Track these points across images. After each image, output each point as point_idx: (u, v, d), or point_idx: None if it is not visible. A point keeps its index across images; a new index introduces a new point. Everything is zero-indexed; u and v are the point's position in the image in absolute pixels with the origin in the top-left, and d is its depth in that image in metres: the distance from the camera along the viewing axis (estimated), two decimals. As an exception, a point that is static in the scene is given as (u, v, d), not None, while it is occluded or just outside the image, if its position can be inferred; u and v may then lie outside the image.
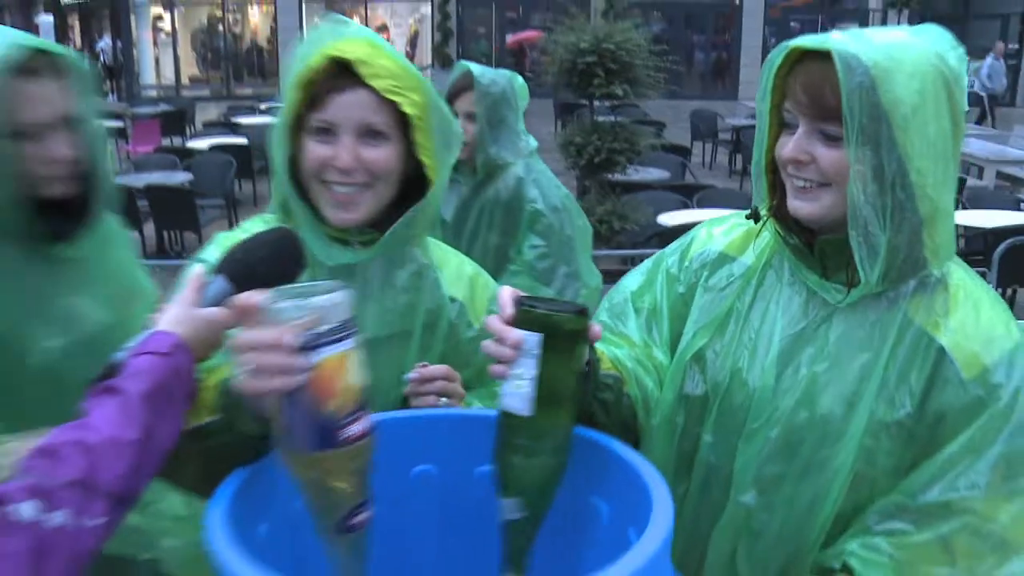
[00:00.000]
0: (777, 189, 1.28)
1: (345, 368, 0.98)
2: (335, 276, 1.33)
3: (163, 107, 16.01)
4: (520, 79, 2.87)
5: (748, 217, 1.33)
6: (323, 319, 0.97)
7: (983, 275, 5.69)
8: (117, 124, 13.13)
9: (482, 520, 1.12)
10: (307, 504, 1.01)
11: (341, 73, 1.29)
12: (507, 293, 1.12)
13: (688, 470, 1.34)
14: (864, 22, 25.17)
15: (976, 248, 6.26)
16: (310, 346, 0.96)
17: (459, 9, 24.53)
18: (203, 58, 27.42)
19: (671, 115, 14.75)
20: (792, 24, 25.69)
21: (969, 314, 1.21)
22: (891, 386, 1.20)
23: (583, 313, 1.07)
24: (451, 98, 2.71)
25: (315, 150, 1.31)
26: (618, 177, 6.61)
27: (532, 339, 1.04)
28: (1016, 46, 25.09)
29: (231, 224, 8.78)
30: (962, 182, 8.28)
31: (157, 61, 27.07)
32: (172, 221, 8.06)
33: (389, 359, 1.37)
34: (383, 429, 1.07)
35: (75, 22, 29.42)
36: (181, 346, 1.05)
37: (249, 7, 27.24)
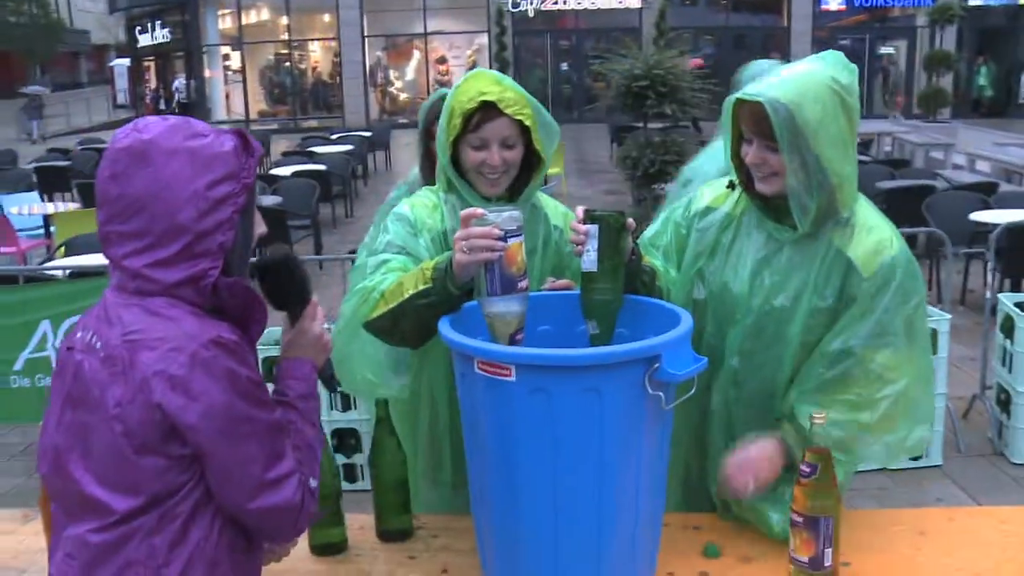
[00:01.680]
0: (743, 171, 2.04)
1: (520, 250, 1.81)
2: None
3: (241, 140, 17.02)
4: None
5: (727, 187, 2.12)
6: (509, 223, 1.79)
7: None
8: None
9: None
10: (490, 330, 1.81)
11: (487, 107, 2.09)
12: (580, 207, 1.93)
13: (696, 349, 2.07)
14: (912, 40, 25.58)
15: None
16: (503, 236, 1.78)
17: (515, 40, 25.46)
18: (270, 93, 28.66)
19: (709, 135, 15.35)
20: (841, 43, 26.17)
21: (865, 235, 1.97)
22: (821, 285, 1.98)
23: (622, 213, 1.88)
24: (430, 125, 2.95)
25: (475, 156, 2.13)
26: (663, 187, 7.35)
27: (593, 228, 1.86)
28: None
29: (316, 241, 9.68)
30: (994, 187, 8.84)
31: (227, 97, 28.43)
32: (266, 239, 8.84)
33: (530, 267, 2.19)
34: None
35: (151, 64, 30.97)
36: (316, 371, 1.64)
37: (312, 44, 28.46)
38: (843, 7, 25.63)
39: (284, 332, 1.65)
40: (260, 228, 1.55)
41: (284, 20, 27.40)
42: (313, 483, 1.52)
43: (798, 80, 1.88)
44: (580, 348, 1.85)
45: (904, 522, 2.08)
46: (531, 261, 2.16)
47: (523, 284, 1.82)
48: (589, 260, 1.86)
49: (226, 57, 28.21)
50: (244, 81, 27.74)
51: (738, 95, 1.94)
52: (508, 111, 2.08)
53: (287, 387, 1.58)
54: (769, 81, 1.91)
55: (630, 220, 1.91)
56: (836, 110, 1.88)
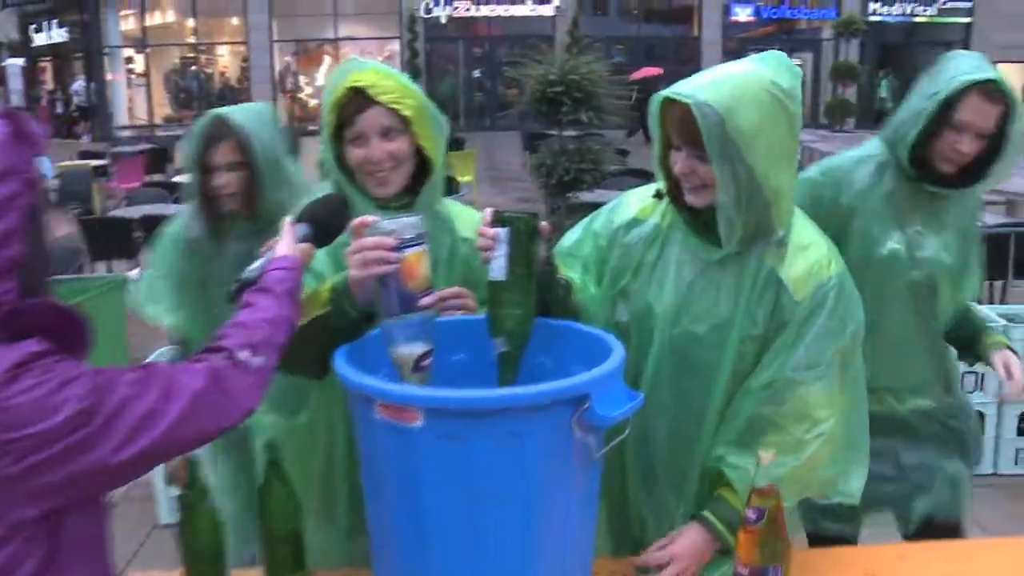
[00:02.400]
0: (671, 178, 1.83)
1: (421, 261, 1.60)
2: None
3: (143, 145, 16.49)
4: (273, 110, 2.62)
5: (653, 197, 1.90)
6: (406, 231, 1.57)
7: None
8: (100, 163, 13.69)
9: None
10: (391, 358, 1.58)
11: (360, 97, 1.86)
12: (488, 209, 1.71)
13: None
14: (818, 52, 26.20)
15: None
16: (399, 247, 1.56)
17: (427, 46, 25.24)
18: (176, 98, 27.82)
19: (634, 144, 15.47)
20: (748, 55, 26.48)
21: (800, 257, 1.77)
22: (752, 309, 1.78)
23: (534, 215, 1.68)
24: (204, 151, 2.37)
25: (355, 153, 1.89)
26: (585, 198, 7.22)
27: (502, 231, 1.64)
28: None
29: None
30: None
31: (131, 101, 27.52)
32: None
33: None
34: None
35: (48, 64, 29.79)
36: (299, 264, 1.58)
37: (220, 48, 27.75)
38: (752, 19, 26.03)
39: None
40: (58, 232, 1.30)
41: (190, 23, 26.62)
42: (243, 354, 1.37)
43: (733, 82, 1.68)
44: (497, 387, 1.64)
45: (854, 562, 1.91)
46: (433, 277, 1.96)
47: (426, 301, 1.61)
48: (497, 268, 1.65)
49: (129, 60, 27.26)
50: (148, 85, 26.85)
51: (665, 94, 1.74)
52: (381, 99, 1.86)
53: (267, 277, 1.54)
54: (700, 81, 1.71)
55: (543, 223, 1.70)
56: (775, 117, 1.68)
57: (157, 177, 14.16)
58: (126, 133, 24.48)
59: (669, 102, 1.73)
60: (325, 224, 1.71)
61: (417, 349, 1.59)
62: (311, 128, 23.18)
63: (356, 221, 1.62)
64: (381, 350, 1.63)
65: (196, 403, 1.25)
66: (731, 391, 1.81)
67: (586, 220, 2.05)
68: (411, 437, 1.37)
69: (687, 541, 1.75)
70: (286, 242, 1.64)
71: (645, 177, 11.31)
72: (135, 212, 8.60)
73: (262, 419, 1.92)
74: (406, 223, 1.60)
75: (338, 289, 1.67)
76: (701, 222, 1.81)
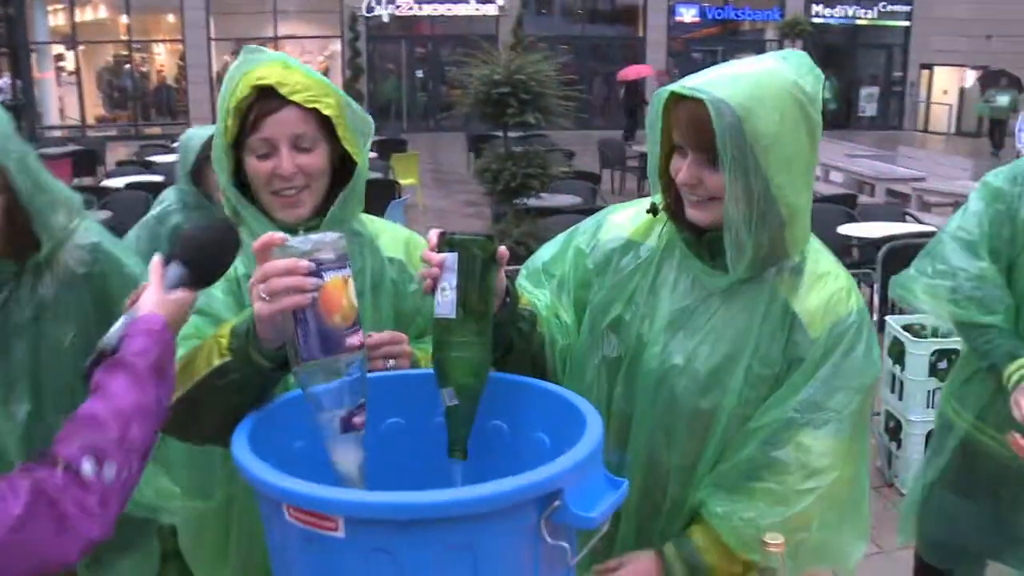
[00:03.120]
0: (671, 190, 1.57)
1: (345, 289, 1.25)
2: None
3: (71, 147, 15.82)
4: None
5: (648, 212, 1.62)
6: (325, 250, 1.24)
7: (869, 276, 6.13)
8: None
9: (442, 462, 1.36)
10: (314, 416, 1.26)
11: (266, 96, 1.54)
12: (433, 231, 1.39)
13: (607, 416, 1.61)
14: (762, 52, 26.21)
15: (869, 257, 6.70)
16: (316, 271, 1.23)
17: (369, 46, 24.77)
18: (109, 97, 27.01)
19: (580, 145, 15.23)
20: (694, 55, 26.66)
21: (817, 288, 1.53)
22: (763, 347, 1.52)
23: (490, 238, 1.35)
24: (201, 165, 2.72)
25: (259, 167, 1.57)
26: (532, 203, 6.92)
27: (451, 257, 1.32)
28: (900, 74, 26.52)
29: (151, 260, 8.78)
30: (855, 199, 8.82)
31: (61, 100, 26.61)
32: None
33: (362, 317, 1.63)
34: None
35: (-28, 62, 28.69)
36: (167, 325, 1.26)
37: (155, 46, 26.99)
38: (697, 19, 25.99)
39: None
40: None
41: (124, 19, 25.75)
42: (86, 465, 1.06)
43: (752, 79, 1.41)
44: (445, 453, 1.32)
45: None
46: (362, 307, 1.64)
47: (353, 340, 1.26)
48: (445, 303, 1.32)
49: (59, 57, 26.33)
50: (79, 83, 25.94)
51: (675, 88, 1.45)
52: (295, 98, 1.53)
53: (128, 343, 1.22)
54: (715, 76, 1.43)
55: (501, 248, 1.38)
56: (796, 124, 1.42)
57: (87, 181, 13.60)
58: (56, 133, 23.61)
59: (677, 99, 1.45)
60: (207, 259, 1.35)
61: (343, 406, 1.25)
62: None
63: (260, 241, 1.28)
64: (296, 412, 1.30)
65: (13, 536, 0.91)
66: (730, 436, 1.54)
67: (565, 235, 1.75)
68: (330, 547, 1.04)
69: (639, 567, 1.52)
70: (151, 292, 1.29)
71: (593, 180, 11.09)
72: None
73: (169, 503, 1.58)
74: (325, 241, 1.26)
75: (239, 333, 1.33)
76: (704, 243, 1.54)
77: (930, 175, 11.80)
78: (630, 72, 20.97)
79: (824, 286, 1.54)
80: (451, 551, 1.03)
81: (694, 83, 1.42)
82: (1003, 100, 19.55)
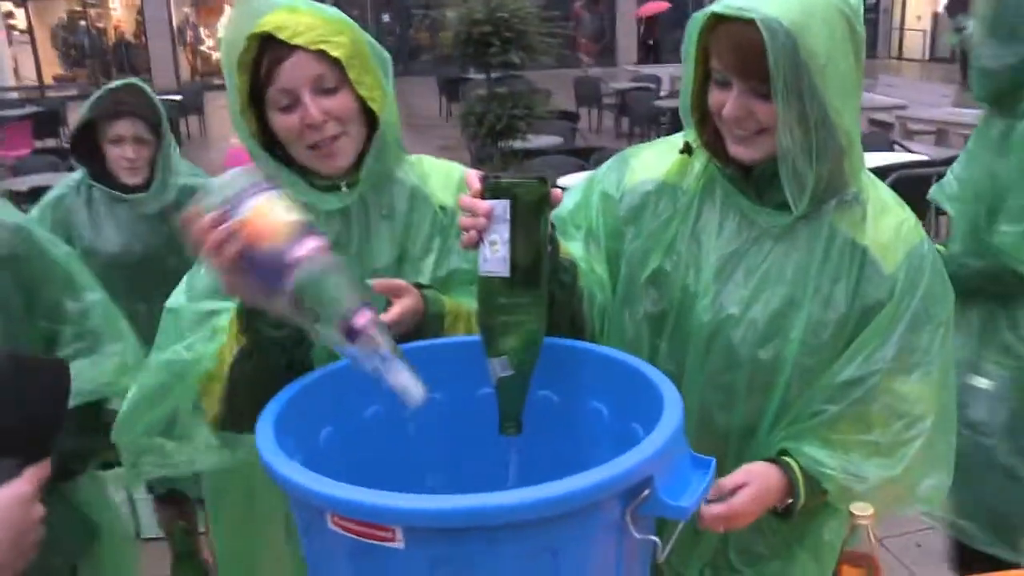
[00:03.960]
0: (707, 127, 1.40)
1: (269, 211, 1.07)
2: (333, 223, 1.46)
3: (30, 108, 15.34)
4: None
5: (681, 152, 1.46)
6: (234, 185, 1.07)
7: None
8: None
9: (489, 438, 1.21)
10: (318, 338, 1.10)
11: (273, 45, 1.37)
12: (472, 172, 1.22)
13: None
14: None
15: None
16: (229, 213, 1.06)
17: (332, -10, 24.18)
18: (66, 55, 26.27)
19: (555, 84, 14.93)
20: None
21: (882, 218, 1.39)
22: (825, 289, 1.37)
23: (544, 180, 1.17)
24: (94, 125, 2.70)
25: (285, 121, 1.40)
26: (512, 144, 6.68)
27: (501, 206, 1.14)
28: (874, 1, 26.20)
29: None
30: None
31: (15, 60, 25.84)
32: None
33: (416, 277, 1.48)
34: None
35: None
36: None
37: (111, 1, 26.20)
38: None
39: None
40: None
41: (76, -27, 25.04)
42: None
43: None
44: (496, 432, 1.17)
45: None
46: (419, 270, 1.50)
47: (298, 252, 1.06)
48: (495, 259, 1.15)
49: (8, 15, 25.45)
50: (33, 42, 25.16)
51: (716, 9, 1.28)
52: (298, 41, 1.36)
53: None
54: None
55: (556, 190, 1.21)
56: (845, 42, 1.27)
57: (50, 143, 13.19)
58: (12, 95, 22.93)
59: (716, 22, 1.28)
60: (30, 430, 1.06)
61: (331, 315, 1.07)
62: (216, 82, 22.11)
63: (185, 216, 1.10)
64: (315, 397, 1.15)
65: None
66: (794, 391, 1.39)
67: (583, 183, 1.58)
68: (388, 563, 0.88)
69: (768, 482, 1.31)
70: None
71: (571, 119, 10.87)
72: (22, 184, 7.82)
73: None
74: (229, 180, 1.09)
75: (241, 312, 1.24)
76: (751, 180, 1.38)
77: (911, 102, 11.62)
78: (647, 9, 21.34)
79: (892, 215, 1.40)
80: (528, 558, 0.88)
81: (739, 2, 1.25)
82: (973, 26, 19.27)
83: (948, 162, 5.93)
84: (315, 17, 1.39)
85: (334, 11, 1.43)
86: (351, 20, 1.45)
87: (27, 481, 0.97)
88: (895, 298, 1.35)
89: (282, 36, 1.36)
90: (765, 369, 1.38)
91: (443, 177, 1.57)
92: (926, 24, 25.31)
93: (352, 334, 1.06)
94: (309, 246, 1.07)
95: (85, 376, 1.60)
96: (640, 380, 1.14)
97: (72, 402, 1.35)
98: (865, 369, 1.34)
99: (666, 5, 21.82)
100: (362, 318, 1.06)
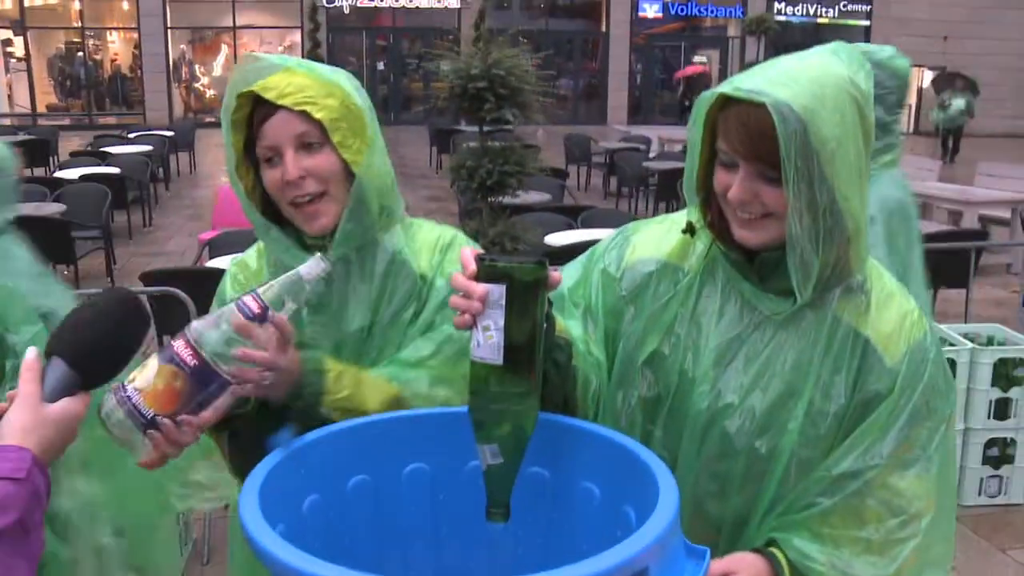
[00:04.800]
0: (712, 208, 1.39)
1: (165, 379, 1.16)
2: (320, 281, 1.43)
3: (22, 135, 15.33)
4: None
5: (684, 232, 1.43)
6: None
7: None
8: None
9: (476, 512, 1.19)
10: None
11: (263, 104, 1.42)
12: (468, 251, 1.20)
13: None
14: (724, 49, 26.31)
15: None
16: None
17: (329, 37, 24.41)
18: (61, 86, 26.35)
19: (545, 139, 15.07)
20: (655, 51, 26.66)
21: (886, 308, 1.37)
22: (825, 379, 1.34)
23: (542, 264, 1.14)
24: None
25: (270, 176, 1.45)
26: (501, 200, 6.71)
27: (497, 290, 1.11)
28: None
29: (108, 255, 8.50)
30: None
31: (10, 88, 25.90)
32: (46, 254, 7.69)
33: (384, 344, 1.50)
34: (375, 430, 1.17)
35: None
36: (37, 463, 0.98)
37: (110, 33, 26.37)
38: (660, 15, 25.97)
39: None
40: None
41: (76, 5, 25.10)
42: None
43: (810, 77, 1.24)
44: (483, 514, 1.14)
45: None
46: (397, 337, 1.51)
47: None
48: (488, 345, 1.12)
49: (7, 43, 25.58)
50: (29, 70, 25.25)
51: (725, 91, 1.26)
52: (283, 102, 1.40)
53: None
54: (769, 75, 1.25)
55: (555, 274, 1.20)
56: (855, 127, 1.26)
57: (39, 171, 13.17)
58: (4, 121, 22.94)
59: (724, 103, 1.27)
60: (103, 352, 1.11)
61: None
62: (208, 120, 22.20)
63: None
64: (297, 465, 1.12)
65: None
66: (789, 482, 1.36)
67: (583, 259, 1.56)
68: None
69: (749, 559, 1.30)
70: (21, 409, 1.02)
71: (560, 176, 10.94)
72: (8, 212, 7.77)
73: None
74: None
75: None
76: (755, 265, 1.36)
77: (897, 175, 11.77)
78: (687, 70, 22.20)
79: (896, 306, 1.38)
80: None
81: (749, 84, 1.24)
82: (959, 104, 19.39)
83: (933, 238, 5.99)
84: (307, 78, 1.43)
85: (331, 73, 1.47)
86: (349, 82, 1.48)
87: (83, 402, 1.07)
88: (896, 392, 1.33)
89: (268, 96, 1.41)
90: (761, 459, 1.36)
91: (432, 245, 1.57)
92: (911, 98, 25.79)
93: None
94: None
95: None
96: (634, 462, 1.13)
97: None
98: (862, 463, 1.31)
99: (705, 68, 22.26)
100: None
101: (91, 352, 1.09)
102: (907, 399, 1.32)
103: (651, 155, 13.94)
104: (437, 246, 1.57)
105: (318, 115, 1.41)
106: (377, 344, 1.50)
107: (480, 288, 1.13)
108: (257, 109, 1.44)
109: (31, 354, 1.07)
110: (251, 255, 1.63)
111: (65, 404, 1.05)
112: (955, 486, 1.44)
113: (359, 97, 1.48)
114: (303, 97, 1.41)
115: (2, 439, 0.99)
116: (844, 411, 1.34)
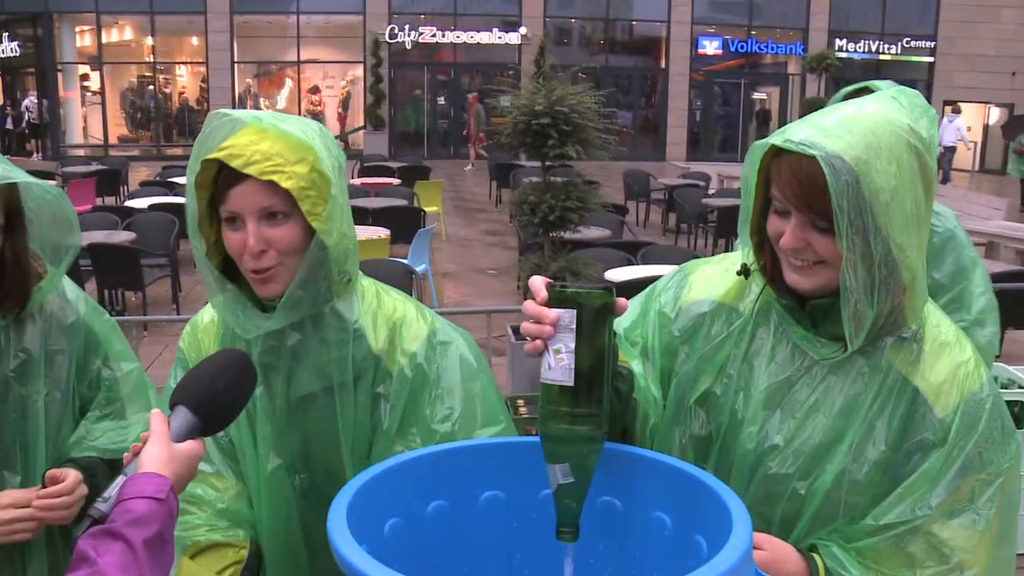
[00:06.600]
0: (765, 251, 1.40)
1: None
2: (269, 343, 1.53)
3: (96, 166, 15.81)
4: None
5: (739, 274, 1.45)
6: None
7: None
8: (49, 183, 12.95)
9: (548, 539, 1.22)
10: None
11: (228, 168, 1.41)
12: (538, 279, 1.25)
13: None
14: (784, 86, 26.18)
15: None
16: None
17: (391, 72, 24.81)
18: (132, 118, 27.12)
19: (603, 175, 15.12)
20: (715, 88, 26.63)
21: (938, 358, 1.35)
22: (872, 424, 1.34)
23: (609, 290, 1.20)
24: None
25: (231, 238, 1.45)
26: (563, 235, 6.77)
27: (567, 315, 1.18)
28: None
29: (175, 283, 8.73)
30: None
31: (85, 120, 26.74)
32: (115, 280, 7.99)
33: (325, 411, 1.53)
34: (455, 457, 1.22)
35: (-2, 80, 28.90)
36: (173, 489, 1.14)
37: (179, 68, 27.12)
38: (719, 52, 25.98)
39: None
40: None
41: (149, 41, 25.91)
42: None
43: (865, 127, 1.25)
44: (554, 536, 1.18)
45: None
46: (338, 405, 1.54)
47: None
48: (560, 367, 1.18)
49: (84, 77, 26.48)
50: (103, 103, 26.06)
51: (775, 142, 1.29)
52: (250, 171, 1.39)
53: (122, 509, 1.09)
54: (822, 125, 1.26)
55: (621, 300, 1.25)
56: (914, 175, 1.26)
57: (109, 201, 13.57)
58: (79, 152, 23.67)
59: (776, 151, 1.29)
60: (220, 405, 1.26)
61: None
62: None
63: None
64: (386, 485, 1.17)
65: None
66: (818, 520, 1.35)
67: (642, 298, 1.59)
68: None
69: (784, 551, 1.31)
70: (156, 446, 1.18)
71: (620, 212, 10.97)
72: (81, 240, 8.02)
73: None
74: None
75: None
76: (807, 311, 1.37)
77: (962, 214, 11.61)
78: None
79: (949, 357, 1.36)
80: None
81: (801, 136, 1.26)
82: None
83: (1001, 277, 5.89)
84: (277, 142, 1.41)
85: (302, 131, 1.44)
86: (321, 140, 1.46)
87: (202, 445, 1.23)
88: (948, 443, 1.31)
89: (234, 165, 1.39)
90: (799, 499, 1.36)
91: (383, 320, 1.58)
92: (976, 135, 25.38)
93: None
94: None
95: (111, 437, 1.80)
96: (706, 493, 1.15)
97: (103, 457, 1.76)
98: (910, 514, 1.30)
99: None
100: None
101: (211, 401, 1.24)
102: (959, 450, 1.30)
103: (710, 191, 13.92)
104: (388, 321, 1.58)
105: (286, 184, 1.40)
106: (332, 411, 1.53)
107: (552, 313, 1.18)
108: (224, 170, 1.42)
109: (156, 410, 1.24)
110: (207, 311, 1.65)
111: (190, 445, 1.21)
112: (1015, 538, 1.40)
113: (329, 157, 1.46)
114: (270, 166, 1.39)
115: (143, 468, 1.14)
116: (888, 459, 1.33)
